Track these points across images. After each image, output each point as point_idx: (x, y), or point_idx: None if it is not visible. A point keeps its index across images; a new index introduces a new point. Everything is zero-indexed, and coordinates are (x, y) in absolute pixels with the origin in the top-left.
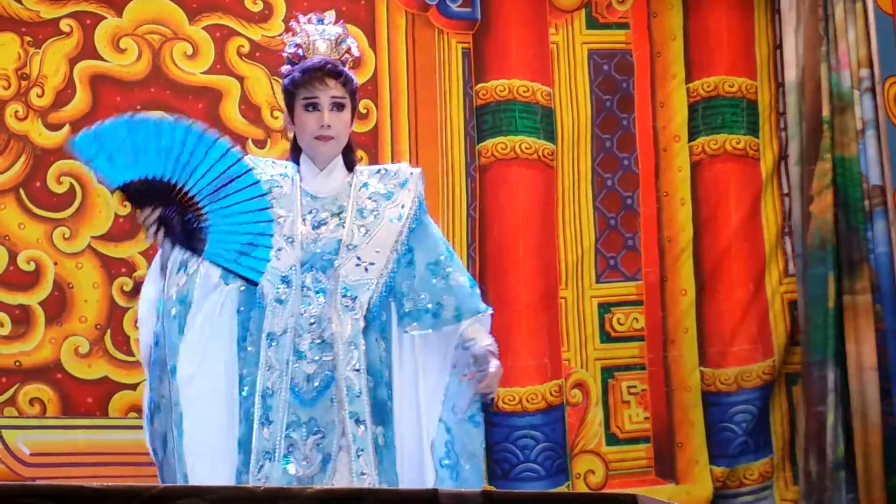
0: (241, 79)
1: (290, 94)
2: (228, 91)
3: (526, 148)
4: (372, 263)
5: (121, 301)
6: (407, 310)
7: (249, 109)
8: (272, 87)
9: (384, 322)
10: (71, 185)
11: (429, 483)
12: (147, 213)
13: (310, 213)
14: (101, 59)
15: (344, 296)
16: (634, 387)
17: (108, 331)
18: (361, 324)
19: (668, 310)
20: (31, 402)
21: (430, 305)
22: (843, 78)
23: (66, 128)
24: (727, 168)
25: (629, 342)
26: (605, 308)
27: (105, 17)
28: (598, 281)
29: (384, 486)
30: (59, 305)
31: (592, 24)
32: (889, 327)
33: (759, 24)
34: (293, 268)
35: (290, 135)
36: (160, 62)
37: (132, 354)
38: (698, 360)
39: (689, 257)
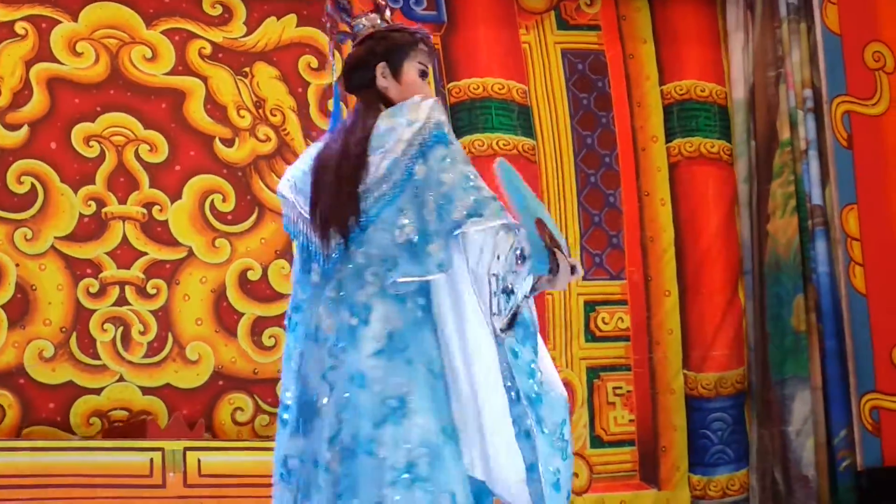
0: (204, 79)
1: (403, 50)
2: (192, 91)
3: (504, 144)
4: None
5: (87, 303)
6: None
7: (215, 109)
8: (237, 87)
9: None
10: (32, 184)
11: None
12: None
13: None
14: (58, 61)
15: None
16: (620, 388)
17: (74, 334)
18: None
19: (653, 310)
20: None
21: None
22: (788, 98)
23: (25, 128)
24: (704, 171)
25: (614, 342)
26: (590, 306)
27: (60, 21)
28: (583, 278)
29: None
30: (21, 308)
31: (563, 25)
32: (830, 347)
33: (724, 33)
34: None
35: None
36: (119, 65)
37: (98, 358)
38: (682, 363)
39: (672, 258)
